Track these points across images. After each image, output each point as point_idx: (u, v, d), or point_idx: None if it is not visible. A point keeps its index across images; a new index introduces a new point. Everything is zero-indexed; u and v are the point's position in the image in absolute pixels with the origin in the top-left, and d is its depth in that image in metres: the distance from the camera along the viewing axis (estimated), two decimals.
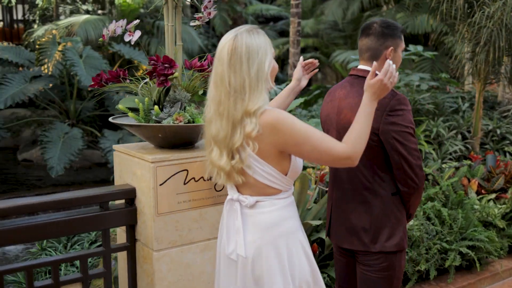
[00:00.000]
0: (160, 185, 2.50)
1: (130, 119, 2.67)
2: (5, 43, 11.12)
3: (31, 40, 10.72)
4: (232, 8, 14.11)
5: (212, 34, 14.13)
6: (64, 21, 10.66)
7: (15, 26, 13.24)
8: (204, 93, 2.81)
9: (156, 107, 2.55)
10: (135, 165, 2.59)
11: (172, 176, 2.52)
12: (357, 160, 2.00)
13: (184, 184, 2.56)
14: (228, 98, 1.97)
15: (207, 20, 2.68)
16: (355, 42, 12.36)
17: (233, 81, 1.95)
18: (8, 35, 12.95)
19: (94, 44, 10.35)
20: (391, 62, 2.10)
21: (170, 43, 2.69)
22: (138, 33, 2.64)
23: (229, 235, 2.21)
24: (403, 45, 2.45)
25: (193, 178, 2.59)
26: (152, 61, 2.56)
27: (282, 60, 15.27)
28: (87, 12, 11.92)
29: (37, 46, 9.41)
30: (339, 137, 2.38)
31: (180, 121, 2.56)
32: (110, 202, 2.61)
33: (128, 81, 2.69)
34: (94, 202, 2.56)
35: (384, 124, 2.30)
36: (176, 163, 2.53)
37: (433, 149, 6.10)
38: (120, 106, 2.61)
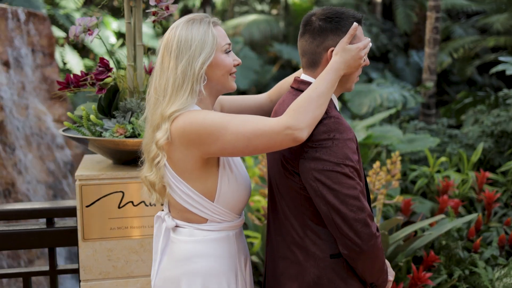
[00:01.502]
0: (87, 206, 2.17)
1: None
2: None
3: None
4: (420, 3, 12.89)
5: (396, 32, 13.15)
6: (233, 22, 10.93)
7: None
8: None
9: (92, 116, 2.23)
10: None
11: (102, 197, 2.17)
12: (303, 131, 1.53)
13: (119, 208, 2.20)
14: (153, 100, 1.67)
15: (165, 15, 2.26)
16: None
17: (158, 80, 1.65)
18: None
19: (257, 45, 10.40)
20: (368, 40, 1.69)
21: (129, 43, 2.34)
22: (96, 31, 2.33)
23: (155, 257, 1.85)
24: (357, 39, 1.69)
25: (131, 201, 2.20)
26: (99, 65, 2.25)
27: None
28: (261, 12, 12.07)
29: None
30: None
31: (121, 134, 2.20)
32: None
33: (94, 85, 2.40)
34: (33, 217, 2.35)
35: (303, 159, 1.63)
36: (108, 183, 2.17)
37: None
38: (69, 113, 2.36)
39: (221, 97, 1.94)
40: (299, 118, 1.52)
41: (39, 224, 2.40)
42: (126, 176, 2.20)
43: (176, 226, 1.74)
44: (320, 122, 1.61)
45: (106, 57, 11.47)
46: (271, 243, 1.86)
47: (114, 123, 2.26)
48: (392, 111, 4.12)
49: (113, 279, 2.23)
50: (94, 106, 2.28)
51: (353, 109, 5.07)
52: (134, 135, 2.21)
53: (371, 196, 2.97)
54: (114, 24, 11.78)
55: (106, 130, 2.24)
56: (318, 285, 1.70)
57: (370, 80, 9.41)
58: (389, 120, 5.07)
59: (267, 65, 10.55)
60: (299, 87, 1.73)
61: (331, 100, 1.69)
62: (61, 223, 2.40)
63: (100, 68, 2.20)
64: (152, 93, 1.67)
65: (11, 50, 5.89)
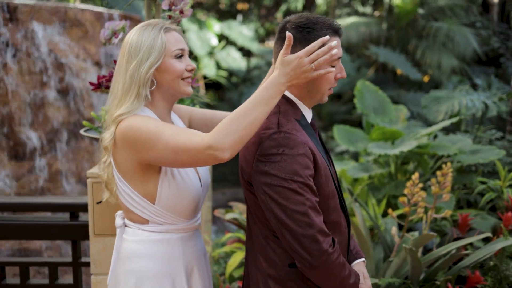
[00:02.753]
0: (97, 203, 2.26)
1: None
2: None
3: None
4: None
5: (509, 35, 12.21)
6: None
7: None
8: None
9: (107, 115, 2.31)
10: None
11: (99, 202, 2.25)
12: (225, 152, 1.49)
13: None
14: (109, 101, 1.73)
15: (180, 19, 2.28)
16: None
17: (113, 82, 1.70)
18: None
19: (354, 48, 10.19)
20: (318, 41, 1.55)
21: None
22: (121, 35, 2.42)
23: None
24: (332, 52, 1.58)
25: None
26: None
27: None
28: (363, 14, 11.79)
29: None
30: None
31: None
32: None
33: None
34: (60, 211, 2.49)
35: (254, 172, 1.59)
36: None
37: None
38: (92, 113, 2.46)
39: (192, 110, 1.94)
40: (221, 138, 1.48)
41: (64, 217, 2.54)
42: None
43: (125, 225, 1.78)
44: (270, 136, 1.58)
45: (207, 59, 11.85)
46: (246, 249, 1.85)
47: None
48: (455, 119, 3.83)
49: None
50: (103, 108, 2.37)
51: (429, 115, 4.78)
52: None
53: (407, 209, 2.77)
54: (217, 27, 12.14)
55: None
56: None
57: (474, 86, 8.83)
58: (464, 128, 4.72)
59: (363, 68, 10.29)
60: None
61: (291, 112, 1.64)
62: (84, 217, 2.52)
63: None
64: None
65: (104, 51, 6.29)
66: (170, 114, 1.79)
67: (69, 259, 2.54)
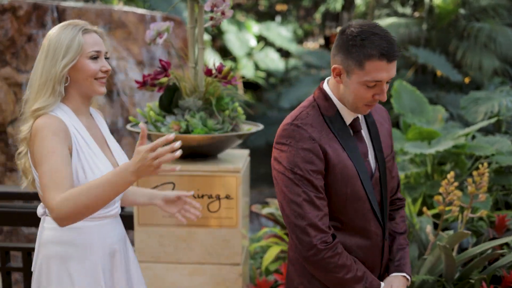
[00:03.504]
0: None
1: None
2: (314, 48, 11.96)
3: None
4: None
5: None
6: None
7: (334, 31, 14.08)
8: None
9: (152, 112, 2.44)
10: None
11: (155, 187, 2.38)
12: (63, 220, 1.58)
13: None
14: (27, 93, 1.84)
15: (221, 20, 2.39)
16: None
17: (32, 75, 1.81)
18: (329, 41, 13.87)
19: None
20: (163, 138, 1.54)
21: (191, 46, 2.51)
22: (165, 35, 2.55)
23: None
24: (367, 76, 1.60)
25: None
26: (160, 65, 2.46)
27: None
28: (403, 15, 11.69)
29: None
30: None
31: (175, 130, 2.38)
32: None
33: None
34: None
35: (272, 156, 1.75)
36: (161, 174, 2.37)
37: None
38: (138, 110, 2.59)
39: None
40: (64, 208, 1.56)
41: None
42: (177, 169, 2.36)
43: (46, 214, 1.85)
44: (284, 126, 1.70)
45: (245, 59, 11.99)
46: None
47: (174, 119, 2.45)
48: (493, 120, 3.80)
49: (164, 263, 2.42)
50: (156, 103, 2.50)
51: (467, 117, 4.75)
52: (187, 132, 2.37)
53: (442, 207, 2.80)
54: (255, 28, 12.25)
55: (165, 125, 2.44)
56: (288, 280, 1.86)
57: None
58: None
59: (402, 69, 10.21)
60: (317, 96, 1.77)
61: (324, 108, 1.72)
62: (127, 209, 2.65)
63: (159, 69, 2.40)
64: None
65: (147, 51, 6.47)
66: (88, 109, 1.87)
67: None
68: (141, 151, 1.54)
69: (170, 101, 2.47)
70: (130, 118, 2.56)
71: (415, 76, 10.12)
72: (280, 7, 15.22)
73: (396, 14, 11.93)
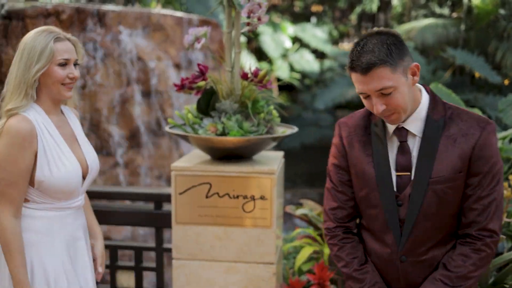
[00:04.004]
0: (180, 194, 2.47)
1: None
2: (350, 49, 11.91)
3: None
4: None
5: None
6: (406, 26, 10.66)
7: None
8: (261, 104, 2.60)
9: (190, 115, 2.52)
10: None
11: (192, 187, 2.46)
12: None
13: (207, 197, 2.46)
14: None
15: (258, 25, 2.46)
16: None
17: (8, 76, 1.94)
18: None
19: (430, 50, 10.02)
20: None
21: (228, 50, 2.58)
22: (203, 40, 2.63)
23: None
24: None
25: (217, 193, 2.45)
26: (198, 69, 2.54)
27: None
28: (440, 16, 11.54)
29: None
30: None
31: (212, 132, 2.46)
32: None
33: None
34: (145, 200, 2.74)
35: None
36: (198, 175, 2.45)
37: None
38: (177, 112, 2.68)
39: None
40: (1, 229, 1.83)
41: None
42: (213, 170, 2.45)
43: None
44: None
45: (280, 61, 12.03)
46: None
47: (211, 122, 2.53)
48: None
49: (200, 261, 2.50)
50: (194, 106, 2.58)
51: (505, 119, 4.69)
52: (224, 134, 2.45)
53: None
54: (291, 29, 12.30)
55: (203, 128, 2.52)
56: None
57: None
58: None
59: (439, 70, 10.09)
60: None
61: (373, 115, 1.80)
62: (166, 207, 2.75)
63: (197, 73, 2.49)
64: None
65: (184, 54, 6.60)
66: (59, 109, 2.01)
67: (152, 244, 2.78)
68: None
69: (208, 104, 2.55)
70: (169, 120, 2.65)
71: (453, 78, 9.99)
72: (315, 8, 15.22)
73: (433, 15, 11.80)
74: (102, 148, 5.66)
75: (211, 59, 6.73)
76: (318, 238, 3.25)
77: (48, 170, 1.88)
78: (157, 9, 8.60)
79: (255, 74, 2.53)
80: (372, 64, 1.58)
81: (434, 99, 1.75)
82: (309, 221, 3.42)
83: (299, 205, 3.75)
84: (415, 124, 1.71)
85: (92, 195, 2.54)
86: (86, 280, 2.03)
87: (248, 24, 2.46)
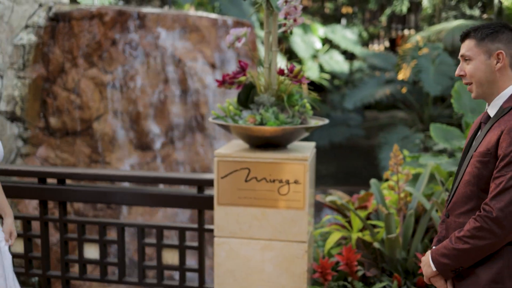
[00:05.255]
0: (222, 178, 2.75)
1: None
2: (379, 50, 12.03)
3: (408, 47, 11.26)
4: None
5: None
6: (436, 27, 10.76)
7: (399, 33, 14.06)
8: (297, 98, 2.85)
9: (231, 107, 2.80)
10: None
11: (233, 172, 2.73)
12: None
13: (246, 181, 2.73)
14: None
15: (293, 27, 2.71)
16: None
17: None
18: (394, 43, 13.90)
19: (459, 51, 10.07)
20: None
21: (266, 49, 2.84)
22: (243, 40, 2.90)
23: None
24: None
25: (255, 177, 2.72)
26: (239, 65, 2.81)
27: None
28: (471, 17, 11.60)
29: (400, 52, 9.92)
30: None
31: (251, 122, 2.73)
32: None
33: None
34: (186, 184, 3.02)
35: None
36: (238, 161, 2.72)
37: None
38: (219, 105, 2.96)
39: None
40: None
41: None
42: (252, 156, 2.71)
43: None
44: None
45: (310, 61, 12.22)
46: None
47: (250, 113, 2.80)
48: None
49: (239, 239, 2.77)
50: (235, 99, 2.85)
51: None
52: (262, 124, 2.71)
53: None
54: (321, 31, 12.50)
55: (242, 119, 2.79)
56: None
57: None
58: None
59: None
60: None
61: None
62: (208, 191, 3.02)
63: (238, 69, 2.76)
64: None
65: (218, 54, 6.89)
66: None
67: (195, 225, 3.06)
68: None
69: (247, 97, 2.82)
70: (212, 112, 2.92)
71: None
72: (345, 9, 15.38)
73: (463, 16, 11.85)
74: (142, 144, 6.00)
75: (243, 58, 7.00)
76: (346, 224, 3.49)
77: None
78: (193, 11, 8.93)
79: (291, 70, 2.78)
80: (465, 33, 1.94)
81: None
82: (337, 209, 3.66)
83: (329, 194, 3.99)
84: (494, 110, 1.94)
85: (145, 180, 2.85)
86: None
87: (284, 25, 2.72)
